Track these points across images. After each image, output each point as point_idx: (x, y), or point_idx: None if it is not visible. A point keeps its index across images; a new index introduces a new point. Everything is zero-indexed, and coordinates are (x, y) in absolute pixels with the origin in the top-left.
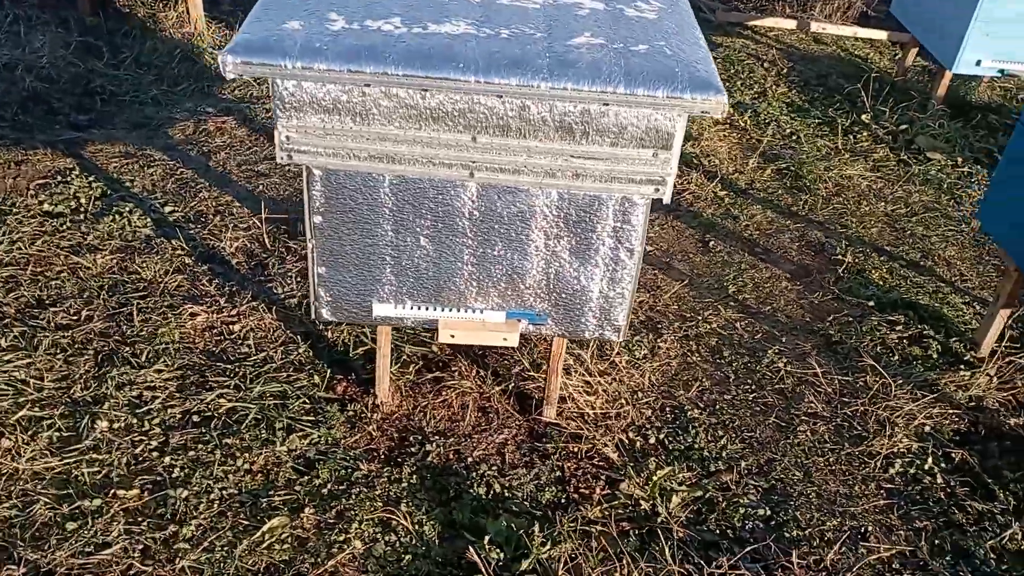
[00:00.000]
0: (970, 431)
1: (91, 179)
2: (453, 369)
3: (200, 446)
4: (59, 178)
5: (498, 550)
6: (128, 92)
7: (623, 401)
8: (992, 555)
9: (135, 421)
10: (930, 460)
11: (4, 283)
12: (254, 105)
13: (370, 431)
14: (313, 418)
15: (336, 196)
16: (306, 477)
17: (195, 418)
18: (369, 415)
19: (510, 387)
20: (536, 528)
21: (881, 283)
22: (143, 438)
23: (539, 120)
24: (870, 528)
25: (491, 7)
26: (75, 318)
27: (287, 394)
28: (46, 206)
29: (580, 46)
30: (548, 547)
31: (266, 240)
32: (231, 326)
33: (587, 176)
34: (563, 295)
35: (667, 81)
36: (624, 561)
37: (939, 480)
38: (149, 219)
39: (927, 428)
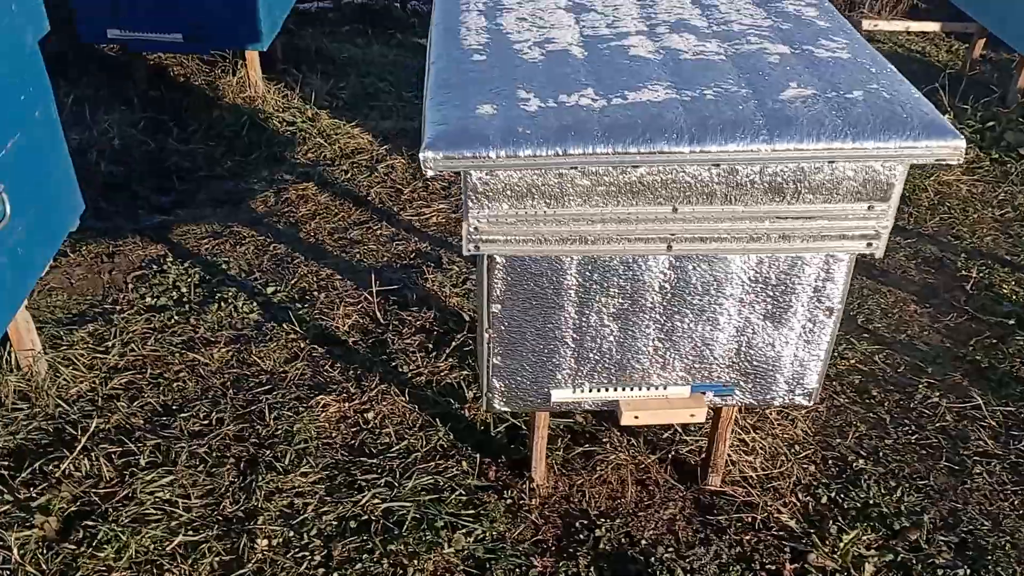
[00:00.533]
0: None
1: (186, 265)
2: (603, 440)
3: (365, 556)
4: (154, 267)
5: None
6: (203, 167)
7: (784, 458)
8: None
9: (292, 535)
10: None
11: (126, 391)
12: (330, 167)
13: (533, 519)
14: (473, 511)
15: (519, 283)
16: None
17: (352, 523)
18: (528, 501)
19: (665, 455)
20: None
21: (1014, 297)
22: (305, 553)
23: (747, 183)
24: None
25: (679, 64)
26: (206, 423)
27: (440, 486)
28: (148, 300)
29: (793, 100)
30: None
31: (379, 314)
32: (365, 414)
33: (795, 237)
34: (753, 363)
35: (898, 130)
36: None
37: None
38: (254, 303)
39: None
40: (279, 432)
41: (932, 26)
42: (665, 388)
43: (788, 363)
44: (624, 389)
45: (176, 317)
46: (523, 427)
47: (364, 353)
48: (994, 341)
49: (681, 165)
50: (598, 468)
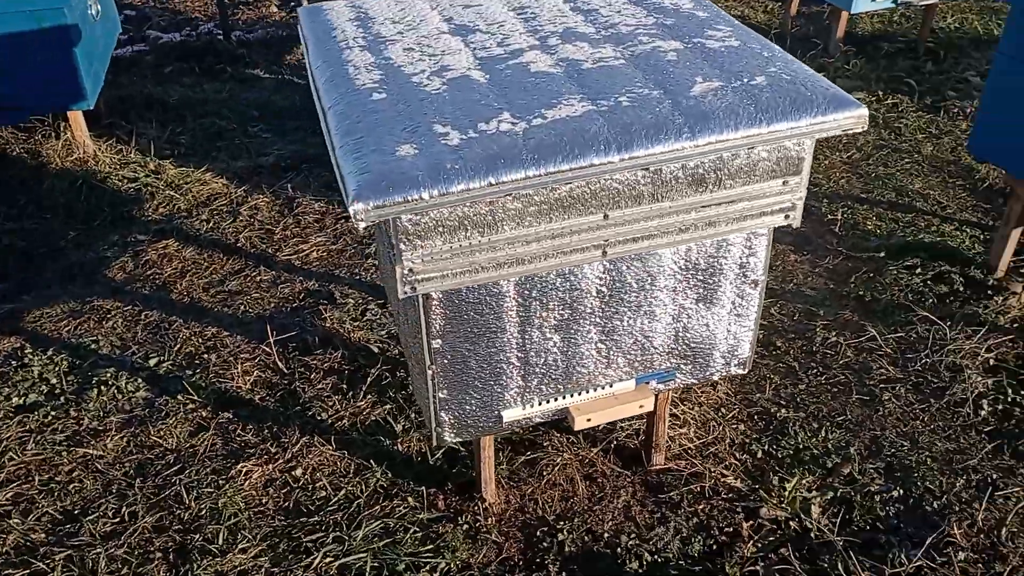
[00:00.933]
0: None
1: (49, 353)
2: (544, 444)
3: None
4: (13, 363)
5: None
6: (41, 243)
7: (714, 423)
8: None
9: None
10: (1010, 391)
11: (16, 505)
12: (188, 219)
13: (494, 539)
14: (432, 545)
15: (458, 315)
16: None
17: None
18: (485, 522)
19: (607, 445)
20: None
21: (878, 231)
22: None
23: (672, 180)
24: (994, 475)
25: (583, 75)
26: (117, 521)
27: (392, 528)
28: (15, 400)
29: (704, 94)
30: None
31: (281, 365)
32: (292, 472)
33: (719, 222)
34: (691, 345)
35: (807, 108)
36: None
37: None
38: (139, 379)
39: (991, 362)
40: (203, 512)
41: None
42: (611, 386)
43: (723, 339)
44: (572, 395)
45: (52, 412)
46: (462, 449)
47: (275, 409)
48: (871, 275)
49: (611, 174)
50: (545, 473)
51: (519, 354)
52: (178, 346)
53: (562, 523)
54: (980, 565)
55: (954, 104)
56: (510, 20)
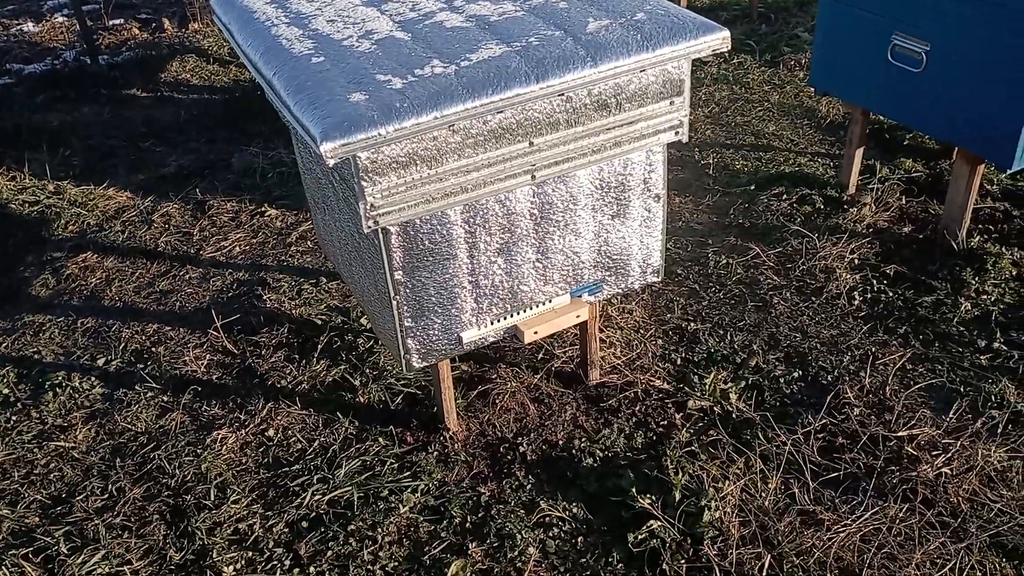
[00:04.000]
0: (885, 250)
1: None
2: (492, 378)
3: (330, 543)
4: None
5: (647, 496)
6: None
7: (636, 342)
8: (959, 327)
9: (252, 554)
10: (875, 283)
11: (2, 499)
12: (101, 232)
13: (463, 459)
14: (409, 472)
15: (415, 245)
16: (444, 522)
17: (304, 524)
18: (452, 447)
19: (548, 370)
20: (664, 466)
21: (746, 170)
22: (273, 563)
23: (581, 106)
24: (873, 349)
25: (493, 26)
26: (106, 497)
27: (370, 464)
28: None
29: (598, 31)
30: (682, 477)
31: (231, 347)
32: (265, 434)
33: (624, 142)
34: (612, 258)
35: (683, 34)
36: (753, 463)
37: (890, 293)
38: (92, 378)
39: (856, 261)
40: (188, 477)
41: None
42: (550, 301)
43: (637, 250)
44: (518, 313)
45: (14, 417)
46: (420, 392)
47: (235, 384)
48: (746, 205)
49: (532, 103)
50: (497, 401)
51: (470, 278)
52: (123, 345)
53: (520, 438)
54: (872, 416)
55: (790, 58)
56: None
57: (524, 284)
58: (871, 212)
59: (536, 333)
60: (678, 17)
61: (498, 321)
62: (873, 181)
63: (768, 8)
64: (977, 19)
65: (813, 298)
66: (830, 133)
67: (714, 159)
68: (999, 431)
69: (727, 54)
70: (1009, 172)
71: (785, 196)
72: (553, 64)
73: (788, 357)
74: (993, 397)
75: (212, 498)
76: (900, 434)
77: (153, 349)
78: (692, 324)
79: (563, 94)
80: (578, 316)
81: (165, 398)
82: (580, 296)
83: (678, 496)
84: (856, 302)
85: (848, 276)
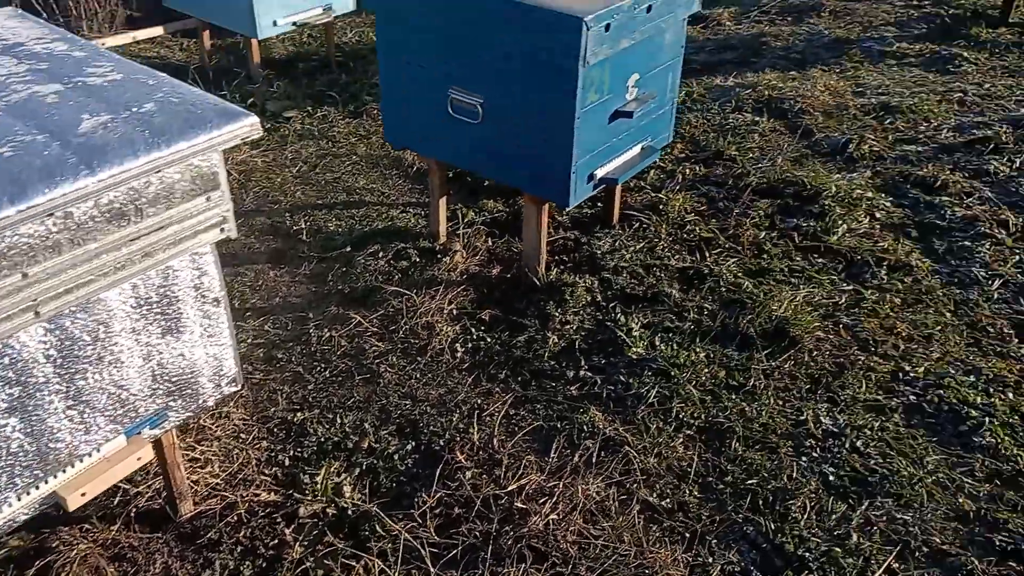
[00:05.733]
0: (479, 295)
1: None
2: (54, 547)
3: None
4: None
5: None
6: None
7: (237, 450)
8: (550, 361)
9: None
10: (474, 331)
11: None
12: None
13: None
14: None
15: None
16: None
17: None
18: None
19: (127, 518)
20: None
21: (340, 230)
22: None
23: (88, 221)
24: (479, 401)
25: None
26: None
27: None
28: None
29: (95, 129)
30: None
31: None
32: None
33: (156, 251)
34: (173, 380)
35: (201, 125)
36: (371, 566)
37: (488, 339)
38: None
39: (455, 311)
40: None
41: (156, 31)
42: (99, 450)
43: (204, 364)
44: (55, 476)
45: None
46: None
47: None
48: (344, 269)
49: (13, 229)
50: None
51: None
52: None
53: None
54: (484, 475)
55: (372, 107)
56: None
57: (56, 440)
58: (463, 258)
59: (84, 495)
60: (194, 106)
61: (28, 493)
62: (460, 226)
63: (346, 56)
64: (513, 74)
65: (419, 358)
66: (418, 181)
67: (307, 223)
68: (594, 460)
69: (311, 107)
70: (568, 209)
71: (381, 253)
72: (34, 179)
73: (400, 429)
74: (585, 427)
75: None
76: (510, 488)
77: None
78: (299, 414)
79: (53, 213)
80: (139, 459)
81: None
82: (139, 433)
83: None
84: (459, 354)
85: (448, 328)
